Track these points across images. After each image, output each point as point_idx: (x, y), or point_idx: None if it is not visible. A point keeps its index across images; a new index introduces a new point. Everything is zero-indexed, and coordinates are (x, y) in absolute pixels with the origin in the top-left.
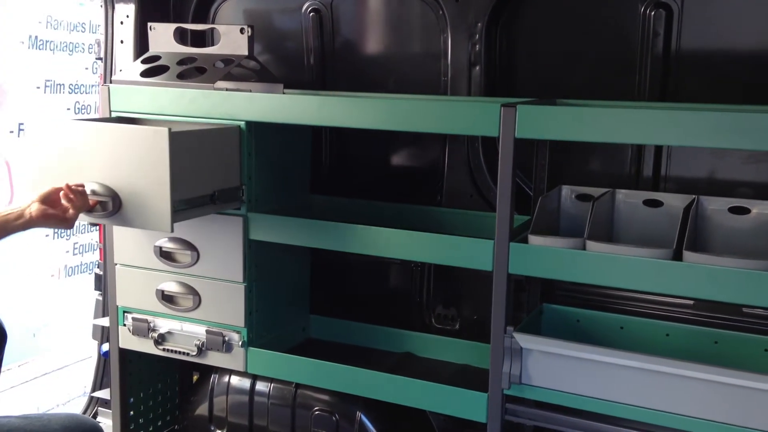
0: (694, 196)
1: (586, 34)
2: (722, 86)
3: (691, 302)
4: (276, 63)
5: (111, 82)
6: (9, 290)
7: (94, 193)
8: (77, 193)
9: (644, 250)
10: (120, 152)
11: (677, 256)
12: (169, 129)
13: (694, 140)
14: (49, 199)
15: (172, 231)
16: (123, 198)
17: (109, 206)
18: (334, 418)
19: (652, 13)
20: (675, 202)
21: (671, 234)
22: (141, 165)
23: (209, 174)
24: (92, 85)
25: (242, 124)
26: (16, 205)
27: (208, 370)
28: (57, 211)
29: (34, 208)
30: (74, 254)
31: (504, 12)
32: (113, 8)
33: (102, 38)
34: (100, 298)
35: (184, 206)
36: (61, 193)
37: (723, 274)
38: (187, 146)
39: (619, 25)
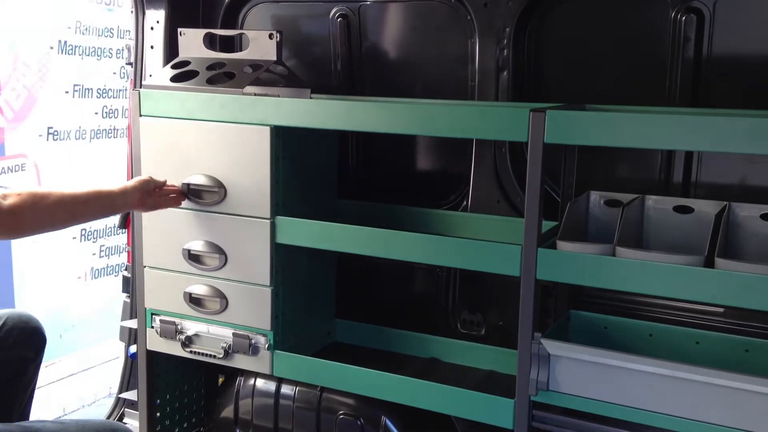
0: (725, 202)
1: (615, 39)
2: (754, 92)
3: (722, 309)
4: (303, 68)
5: (141, 87)
6: (37, 292)
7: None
8: (176, 192)
9: (675, 257)
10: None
11: (709, 263)
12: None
13: (726, 146)
14: (146, 189)
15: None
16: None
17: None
18: (359, 422)
19: (683, 18)
20: (706, 208)
21: (702, 241)
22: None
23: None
24: (120, 90)
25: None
26: (113, 186)
27: (233, 373)
28: (152, 199)
29: (137, 197)
30: (101, 257)
31: (532, 17)
32: (144, 14)
33: (132, 44)
34: (128, 300)
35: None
36: (163, 189)
37: (755, 282)
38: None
39: (650, 30)
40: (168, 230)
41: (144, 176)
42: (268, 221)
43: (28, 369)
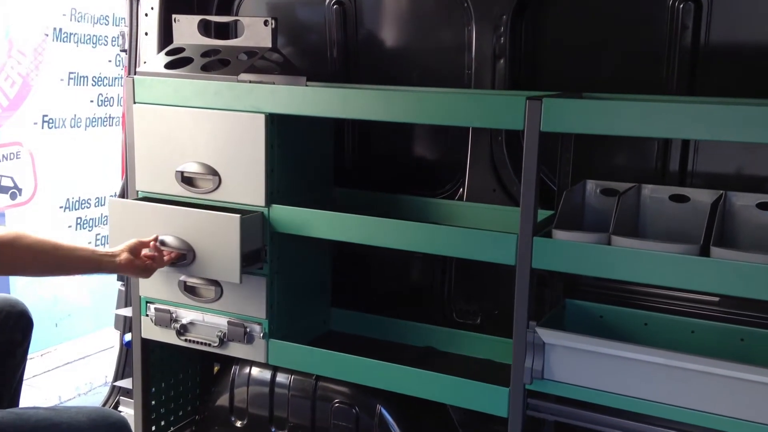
0: (721, 191)
1: (613, 27)
2: (751, 80)
3: (717, 299)
4: (299, 56)
5: (135, 74)
6: (32, 280)
7: (163, 244)
8: (161, 252)
9: (671, 246)
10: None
11: (704, 252)
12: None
13: (723, 134)
14: (135, 251)
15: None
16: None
17: (188, 258)
18: (354, 410)
19: (681, 5)
20: (702, 197)
21: (698, 230)
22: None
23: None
24: (115, 78)
25: (265, 116)
26: (110, 249)
27: (229, 362)
28: (140, 262)
29: (123, 257)
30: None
31: (529, 4)
32: (138, 1)
33: (126, 30)
34: (123, 288)
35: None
36: (147, 251)
37: (751, 270)
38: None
39: (647, 18)
40: (162, 218)
41: (132, 240)
42: (263, 210)
43: (16, 353)
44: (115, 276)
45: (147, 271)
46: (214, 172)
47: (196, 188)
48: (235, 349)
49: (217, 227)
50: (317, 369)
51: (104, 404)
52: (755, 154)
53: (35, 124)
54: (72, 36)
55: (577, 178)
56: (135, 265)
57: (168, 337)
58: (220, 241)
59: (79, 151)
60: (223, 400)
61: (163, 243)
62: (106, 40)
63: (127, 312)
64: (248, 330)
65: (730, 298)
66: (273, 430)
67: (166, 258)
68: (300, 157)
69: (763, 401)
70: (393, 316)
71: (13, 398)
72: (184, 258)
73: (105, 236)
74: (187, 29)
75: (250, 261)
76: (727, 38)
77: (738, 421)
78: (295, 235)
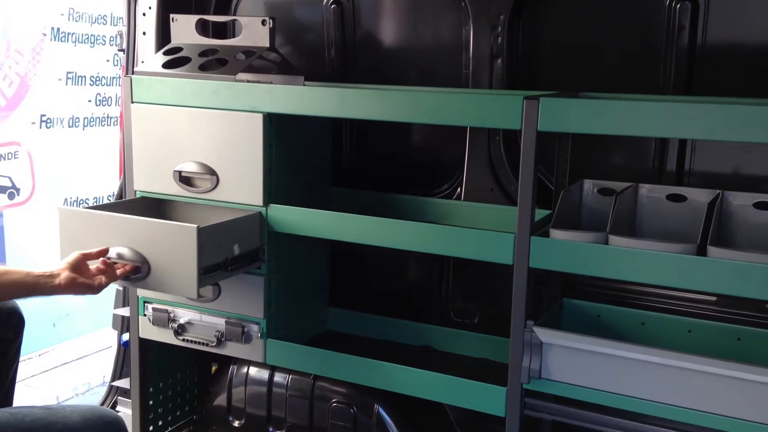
0: (718, 191)
1: (610, 26)
2: (749, 80)
3: (714, 298)
4: (297, 55)
5: (133, 74)
6: None
7: (120, 256)
8: (110, 265)
9: (668, 245)
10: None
11: (701, 252)
12: (198, 227)
13: (720, 134)
14: (78, 267)
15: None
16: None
17: (142, 271)
18: (352, 410)
19: (678, 5)
20: (699, 197)
21: (695, 229)
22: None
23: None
24: (113, 77)
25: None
26: (48, 267)
27: (226, 361)
28: (85, 279)
29: (63, 277)
30: None
31: (527, 4)
32: (136, 0)
33: (124, 30)
34: (121, 288)
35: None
36: (95, 267)
37: (748, 270)
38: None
39: (644, 18)
40: (115, 228)
41: (74, 254)
42: (261, 209)
43: (8, 351)
44: None
45: (93, 289)
46: (212, 172)
47: (194, 188)
48: (232, 349)
49: (173, 239)
50: (315, 369)
51: (102, 404)
52: (752, 153)
53: (33, 123)
54: (70, 35)
55: (574, 177)
56: (78, 284)
57: (166, 336)
58: (176, 253)
59: (77, 151)
60: (220, 400)
61: (120, 256)
62: (104, 40)
63: (125, 312)
64: (246, 329)
65: (727, 297)
66: (271, 429)
67: (119, 272)
68: (298, 156)
69: (759, 400)
70: (391, 316)
71: (7, 397)
72: (138, 271)
73: None
74: (184, 29)
75: (221, 268)
76: (723, 38)
77: (735, 420)
78: (293, 234)
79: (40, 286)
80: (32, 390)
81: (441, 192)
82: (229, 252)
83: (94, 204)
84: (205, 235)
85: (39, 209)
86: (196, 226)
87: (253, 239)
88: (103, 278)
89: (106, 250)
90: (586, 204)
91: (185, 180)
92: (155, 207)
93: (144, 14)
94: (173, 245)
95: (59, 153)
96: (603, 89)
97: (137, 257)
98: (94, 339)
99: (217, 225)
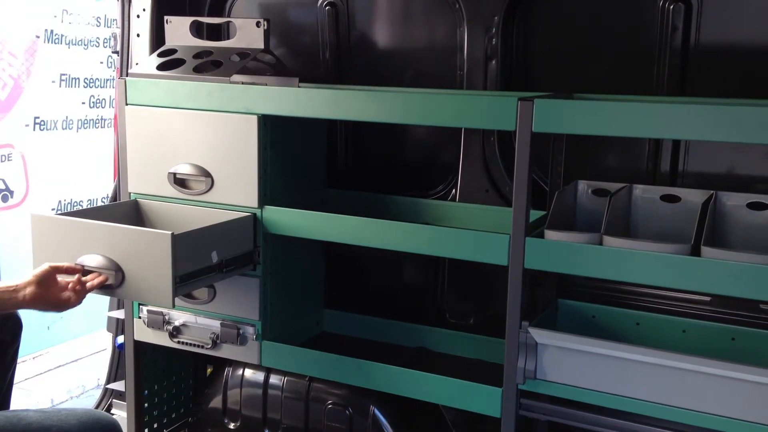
0: (712, 191)
1: (603, 28)
2: (742, 81)
3: (708, 298)
4: (291, 57)
5: (127, 76)
6: None
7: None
8: (83, 284)
9: (662, 246)
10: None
11: (695, 252)
12: (172, 233)
13: (713, 135)
14: (47, 282)
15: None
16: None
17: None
18: (347, 411)
19: (671, 7)
20: (693, 197)
21: (689, 230)
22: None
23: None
24: (107, 79)
25: (258, 117)
26: (12, 281)
27: (222, 363)
28: (52, 295)
29: (28, 292)
30: None
31: (521, 5)
32: (130, 2)
33: (118, 32)
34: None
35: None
36: (65, 282)
37: (741, 270)
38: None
39: (638, 20)
40: (87, 235)
41: (44, 266)
42: (255, 211)
43: (6, 354)
44: None
45: (59, 307)
46: (206, 174)
47: (188, 190)
48: (228, 351)
49: (147, 246)
50: (310, 370)
51: (97, 407)
52: (745, 154)
53: (27, 126)
54: (63, 38)
55: (568, 178)
56: (45, 299)
57: (161, 339)
58: (150, 261)
59: (71, 153)
60: (216, 402)
61: (87, 272)
62: (98, 42)
63: (120, 314)
64: (241, 331)
65: (722, 297)
66: (266, 431)
67: (88, 285)
68: (293, 158)
69: (753, 400)
70: (386, 317)
71: (4, 400)
72: (110, 283)
73: None
74: (179, 30)
75: (199, 275)
76: (716, 39)
77: (729, 420)
78: (288, 236)
79: (2, 301)
80: (26, 393)
81: (436, 193)
82: (207, 260)
83: (89, 207)
84: (180, 242)
85: (33, 212)
86: (170, 232)
87: (246, 242)
88: (72, 297)
89: (80, 269)
90: (581, 205)
91: (180, 182)
92: (147, 210)
93: (138, 16)
94: (147, 252)
95: (53, 155)
96: (597, 90)
97: (111, 265)
98: (89, 342)
99: (193, 231)
